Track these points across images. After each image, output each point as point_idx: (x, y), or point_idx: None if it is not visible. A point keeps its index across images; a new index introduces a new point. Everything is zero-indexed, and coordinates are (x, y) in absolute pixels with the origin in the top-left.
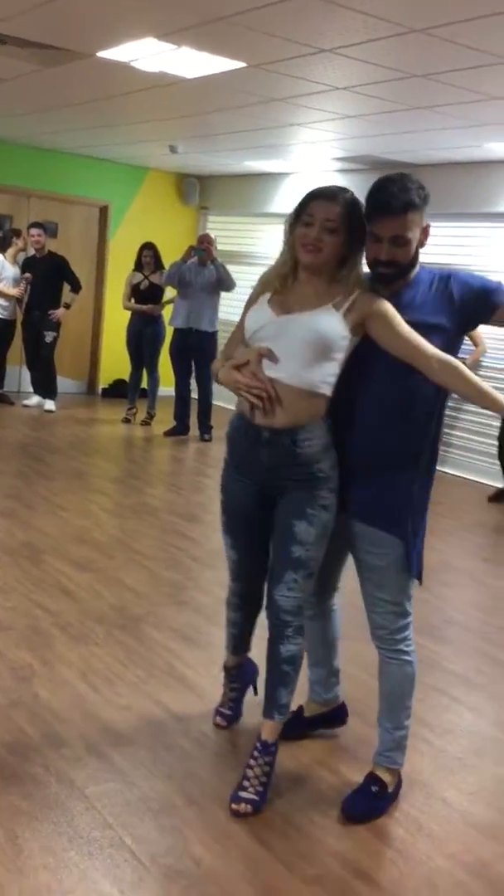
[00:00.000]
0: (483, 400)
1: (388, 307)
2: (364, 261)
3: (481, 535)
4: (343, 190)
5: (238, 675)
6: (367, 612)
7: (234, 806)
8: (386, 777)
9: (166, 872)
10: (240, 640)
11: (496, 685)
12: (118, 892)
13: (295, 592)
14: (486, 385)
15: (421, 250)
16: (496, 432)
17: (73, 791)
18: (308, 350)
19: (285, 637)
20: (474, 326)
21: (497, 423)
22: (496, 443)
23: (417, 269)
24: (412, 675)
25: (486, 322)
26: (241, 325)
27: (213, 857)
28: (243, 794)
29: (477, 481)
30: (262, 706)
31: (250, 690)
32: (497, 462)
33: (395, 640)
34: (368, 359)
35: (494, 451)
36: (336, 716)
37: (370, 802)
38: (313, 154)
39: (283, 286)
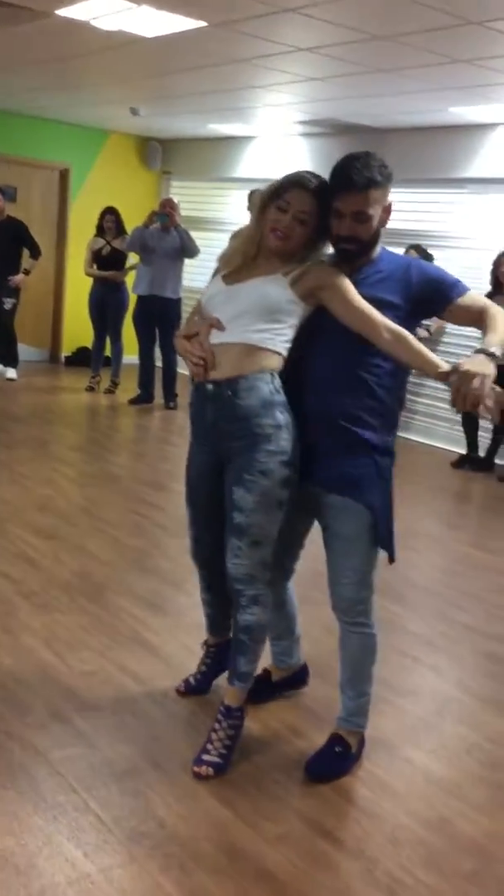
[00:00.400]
0: (428, 367)
1: (342, 278)
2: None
3: (445, 501)
4: (320, 181)
5: (215, 654)
6: (330, 584)
7: (195, 769)
8: (349, 738)
9: (130, 835)
10: (214, 620)
11: (458, 647)
12: (82, 855)
13: (241, 560)
14: (432, 355)
15: (387, 218)
16: None
17: (37, 757)
18: (252, 311)
19: (240, 606)
20: (426, 316)
21: None
22: None
23: (380, 249)
24: (373, 646)
25: (439, 315)
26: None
27: (178, 819)
28: (206, 757)
29: (440, 448)
30: (228, 672)
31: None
32: (460, 429)
33: (357, 612)
34: (329, 328)
35: (458, 417)
36: (299, 677)
37: (333, 763)
38: (277, 117)
39: (243, 263)
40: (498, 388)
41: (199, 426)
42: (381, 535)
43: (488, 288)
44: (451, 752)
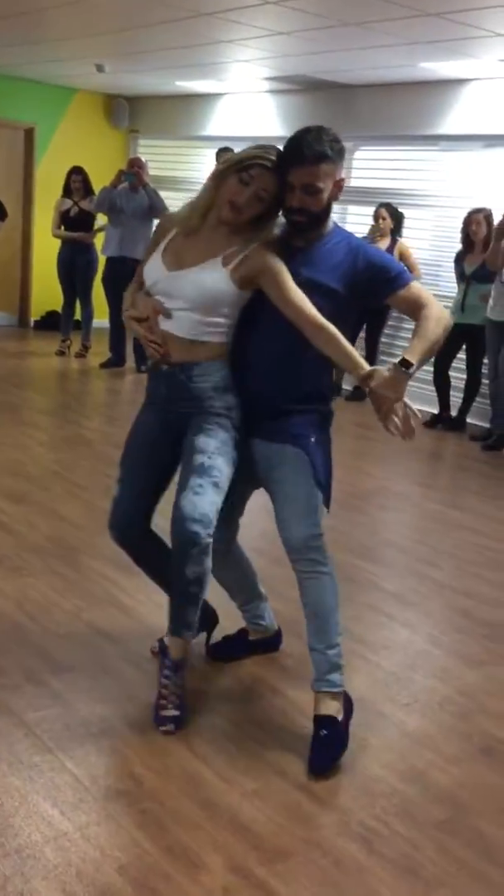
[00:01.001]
0: (351, 368)
1: (279, 265)
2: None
3: (418, 461)
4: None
5: None
6: (279, 529)
7: (162, 728)
8: (331, 708)
9: (107, 793)
10: (165, 585)
11: (430, 602)
12: (59, 814)
13: (201, 497)
14: (357, 355)
15: (339, 192)
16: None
17: (12, 718)
18: (195, 307)
19: (190, 557)
20: (366, 303)
21: None
22: (431, 368)
23: (332, 226)
24: (332, 586)
25: (381, 302)
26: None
27: (154, 776)
28: (166, 714)
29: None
30: (169, 624)
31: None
32: (432, 389)
33: (309, 549)
34: (269, 311)
35: (430, 377)
36: (274, 641)
37: (327, 750)
38: (246, 74)
39: (192, 229)
40: (409, 406)
41: (154, 396)
42: (318, 477)
43: (459, 247)
44: (424, 705)
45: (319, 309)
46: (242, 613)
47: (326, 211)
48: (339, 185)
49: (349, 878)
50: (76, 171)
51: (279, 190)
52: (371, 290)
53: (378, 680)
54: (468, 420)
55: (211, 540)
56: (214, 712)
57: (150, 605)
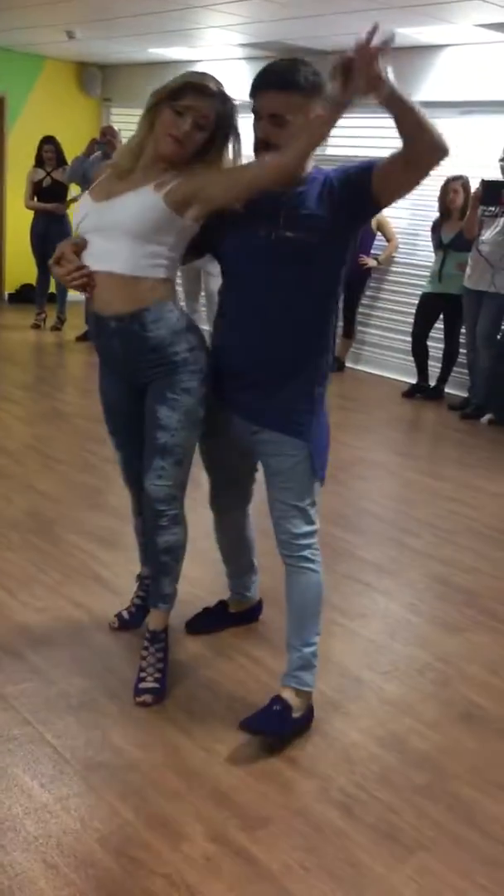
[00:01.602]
0: (316, 137)
1: (210, 170)
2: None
3: (396, 431)
4: (218, 83)
5: (145, 585)
6: (272, 519)
7: (137, 699)
8: (294, 700)
9: (87, 764)
10: (145, 548)
11: (408, 571)
12: (38, 786)
13: (164, 480)
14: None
15: (332, 146)
16: (409, 329)
17: None
18: (127, 236)
19: (160, 528)
20: (364, 211)
21: (409, 320)
22: (409, 339)
23: (312, 168)
24: (318, 584)
25: (370, 198)
26: None
27: (135, 748)
28: (144, 686)
29: (391, 378)
30: (149, 597)
31: None
32: (411, 359)
33: (300, 546)
34: (251, 273)
35: (408, 347)
36: (255, 612)
37: (268, 719)
38: (220, 40)
39: (126, 170)
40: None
41: (108, 358)
42: (316, 467)
43: (437, 215)
44: (403, 672)
45: (309, 245)
46: (229, 581)
47: None
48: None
49: (329, 844)
50: (48, 141)
51: (222, 118)
52: (356, 190)
53: (356, 647)
54: (446, 390)
55: (180, 510)
56: (193, 682)
57: (128, 577)
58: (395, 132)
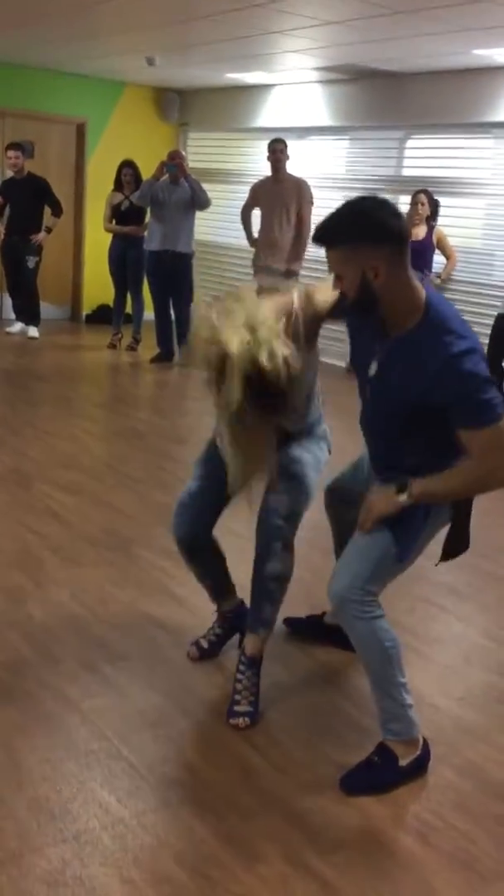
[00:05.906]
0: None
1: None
2: None
3: None
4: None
5: (227, 618)
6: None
7: (232, 721)
8: (397, 748)
9: (163, 781)
10: (213, 589)
11: (484, 595)
12: (116, 801)
13: (291, 497)
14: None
15: (379, 280)
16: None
17: (69, 705)
18: None
19: (273, 553)
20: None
21: (484, 342)
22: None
23: (420, 317)
24: (370, 638)
25: (442, 418)
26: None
27: (210, 766)
28: (238, 709)
29: None
30: (248, 620)
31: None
32: None
33: (344, 601)
34: (368, 382)
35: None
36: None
37: (365, 775)
38: (296, 64)
39: None
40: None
41: None
42: (399, 540)
43: None
44: (479, 699)
45: (392, 415)
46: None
47: (371, 297)
48: (375, 270)
49: (404, 871)
50: (127, 165)
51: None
52: (441, 408)
53: (431, 673)
54: None
55: (293, 538)
56: (267, 702)
57: (202, 596)
58: (468, 152)
